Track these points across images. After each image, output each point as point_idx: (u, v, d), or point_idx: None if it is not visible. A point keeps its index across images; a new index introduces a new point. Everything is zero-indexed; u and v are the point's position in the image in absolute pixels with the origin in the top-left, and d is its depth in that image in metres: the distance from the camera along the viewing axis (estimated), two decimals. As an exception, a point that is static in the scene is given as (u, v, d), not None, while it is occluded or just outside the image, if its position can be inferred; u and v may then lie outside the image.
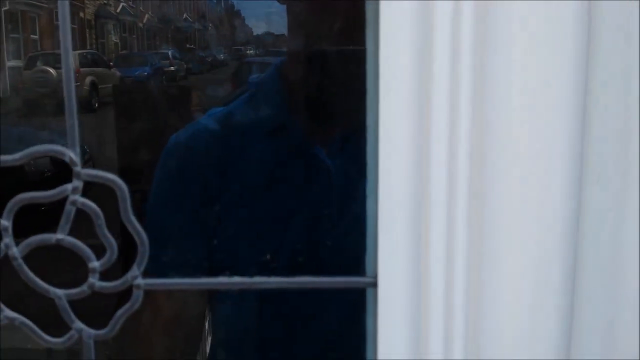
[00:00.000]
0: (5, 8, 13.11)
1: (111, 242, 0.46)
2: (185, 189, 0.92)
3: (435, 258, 0.45)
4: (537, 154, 0.44)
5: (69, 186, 0.47)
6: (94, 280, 0.47)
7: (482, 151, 0.44)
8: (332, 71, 0.79)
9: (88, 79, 10.62)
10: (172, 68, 13.99)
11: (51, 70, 10.25)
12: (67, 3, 0.43)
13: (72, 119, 0.46)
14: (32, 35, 14.18)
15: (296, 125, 0.90)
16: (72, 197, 0.46)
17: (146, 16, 18.68)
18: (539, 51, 0.43)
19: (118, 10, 17.49)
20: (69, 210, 0.46)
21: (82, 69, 10.92)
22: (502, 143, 0.44)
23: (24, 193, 0.46)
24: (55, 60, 11.41)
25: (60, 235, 0.47)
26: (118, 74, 12.22)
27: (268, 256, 0.87)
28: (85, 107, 9.80)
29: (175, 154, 0.92)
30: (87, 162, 4.88)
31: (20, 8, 13.74)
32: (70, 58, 0.44)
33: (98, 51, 15.61)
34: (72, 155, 0.45)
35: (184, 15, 19.90)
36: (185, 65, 14.68)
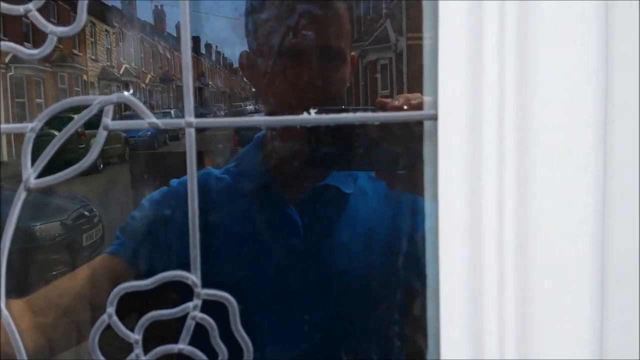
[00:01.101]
0: (11, 73, 13.47)
1: (223, 351, 0.54)
2: (164, 222, 1.00)
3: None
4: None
5: (190, 304, 0.53)
6: None
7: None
8: (304, 141, 0.85)
9: (93, 141, 10.83)
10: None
11: (56, 133, 10.72)
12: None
13: (195, 250, 0.52)
14: (37, 100, 14.58)
15: (273, 188, 0.99)
16: (192, 314, 0.53)
17: (148, 77, 19.32)
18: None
19: (121, 71, 18.04)
20: (189, 324, 0.53)
21: (87, 131, 11.42)
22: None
23: (153, 311, 0.54)
24: (60, 124, 11.88)
25: (182, 345, 0.54)
26: (123, 134, 12.73)
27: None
28: (90, 168, 10.01)
29: (168, 192, 1.02)
30: (97, 223, 5.03)
31: (25, 73, 14.13)
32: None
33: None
34: (194, 278, 0.53)
35: (186, 75, 20.42)
36: None
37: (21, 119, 12.60)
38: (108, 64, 17.69)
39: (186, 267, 0.89)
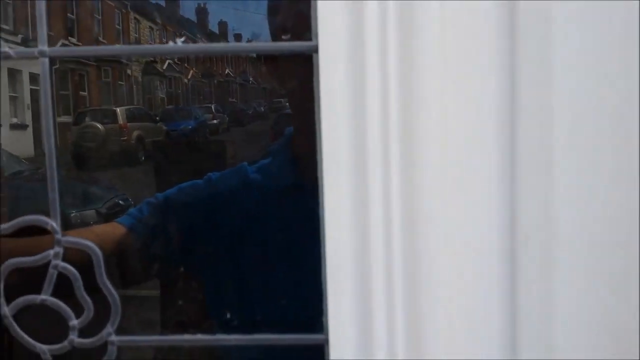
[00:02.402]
0: (56, 66, 14.23)
1: (88, 303, 0.53)
2: (198, 216, 1.01)
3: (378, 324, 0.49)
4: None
5: (51, 252, 0.52)
6: (73, 337, 0.52)
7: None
8: None
9: (135, 133, 11.30)
10: (215, 121, 15.05)
11: (99, 125, 11.17)
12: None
13: (54, 193, 0.50)
14: (81, 92, 15.00)
15: (305, 186, 0.93)
16: (54, 262, 0.52)
17: (191, 72, 20.58)
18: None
19: (164, 67, 19.21)
20: (52, 273, 0.52)
21: (129, 124, 11.62)
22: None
23: (13, 258, 0.53)
24: (103, 116, 12.07)
25: (44, 296, 0.53)
26: (164, 127, 12.84)
27: (254, 309, 0.96)
28: (132, 159, 10.23)
29: (204, 184, 1.02)
30: None
31: (70, 66, 14.42)
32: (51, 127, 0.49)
33: (145, 106, 16.94)
34: (53, 224, 0.51)
35: (226, 71, 22.03)
36: (227, 118, 15.96)
37: (67, 110, 13.42)
38: (152, 59, 18.76)
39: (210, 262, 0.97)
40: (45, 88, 0.50)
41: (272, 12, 0.94)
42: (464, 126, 0.47)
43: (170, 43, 0.53)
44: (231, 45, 0.57)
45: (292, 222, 0.97)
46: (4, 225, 0.52)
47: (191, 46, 0.59)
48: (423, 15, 0.46)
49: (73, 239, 0.53)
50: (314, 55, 0.47)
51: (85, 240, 0.53)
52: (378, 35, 0.46)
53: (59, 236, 0.52)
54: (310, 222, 0.95)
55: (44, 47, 0.48)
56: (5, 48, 0.49)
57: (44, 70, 0.49)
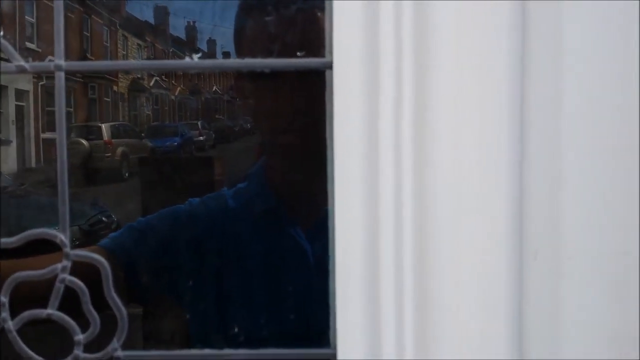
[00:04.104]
0: (43, 82, 14.34)
1: (95, 317, 0.53)
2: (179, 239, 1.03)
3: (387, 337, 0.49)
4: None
5: (58, 265, 0.52)
6: (78, 352, 0.52)
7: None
8: (306, 163, 0.85)
9: (119, 150, 11.50)
10: (201, 138, 15.16)
11: (83, 141, 11.31)
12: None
13: (65, 207, 0.51)
14: (67, 108, 15.30)
15: (279, 211, 0.98)
16: (61, 276, 0.52)
17: (178, 89, 20.66)
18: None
19: (151, 83, 19.28)
20: (58, 287, 0.52)
21: (114, 140, 11.84)
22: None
23: (20, 272, 0.53)
24: (87, 132, 12.34)
25: (50, 310, 0.53)
26: (149, 144, 13.02)
27: (235, 329, 0.97)
28: (115, 176, 10.37)
29: (184, 210, 1.03)
30: (114, 230, 5.70)
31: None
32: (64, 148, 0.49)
33: (130, 123, 16.87)
34: (62, 237, 0.51)
35: (214, 88, 22.10)
36: (213, 135, 15.96)
37: (51, 126, 13.45)
38: (139, 76, 18.84)
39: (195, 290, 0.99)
40: (60, 103, 0.51)
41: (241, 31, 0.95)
42: (475, 140, 0.48)
43: (187, 59, 0.54)
44: (245, 61, 0.58)
45: (269, 245, 0.98)
46: (12, 239, 0.52)
47: (206, 62, 0.56)
48: (437, 20, 0.47)
49: (82, 252, 0.53)
50: (327, 71, 0.48)
51: (93, 254, 0.53)
52: (393, 51, 0.47)
53: (67, 249, 0.52)
54: (287, 245, 0.96)
55: (61, 62, 0.49)
56: (21, 61, 0.50)
57: (59, 84, 0.50)
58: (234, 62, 0.59)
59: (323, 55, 0.48)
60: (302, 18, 0.89)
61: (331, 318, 0.51)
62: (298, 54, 0.80)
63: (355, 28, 0.47)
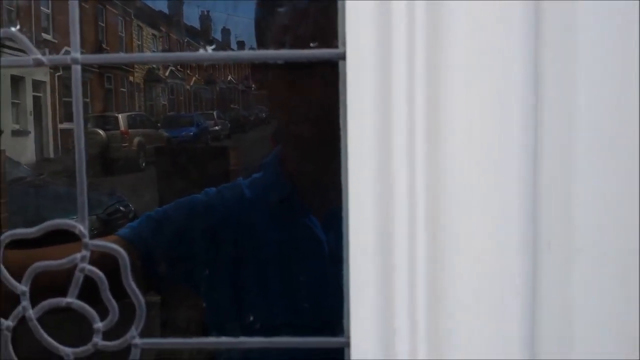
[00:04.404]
0: (59, 73, 14.47)
1: (114, 306, 0.53)
2: (194, 231, 1.03)
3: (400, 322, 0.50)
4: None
5: (78, 255, 0.53)
6: (97, 340, 0.53)
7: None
8: (320, 152, 0.83)
9: (136, 140, 11.48)
10: (216, 128, 15.16)
11: (100, 132, 11.30)
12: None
13: (83, 197, 0.51)
14: (84, 99, 15.29)
15: (295, 200, 0.99)
16: (80, 265, 0.53)
17: (193, 79, 20.69)
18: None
19: (166, 74, 19.31)
20: (78, 276, 0.53)
21: (130, 130, 11.83)
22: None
23: (39, 262, 0.54)
24: (104, 122, 12.42)
25: (70, 299, 0.54)
26: (165, 134, 13.03)
27: (251, 317, 0.97)
28: (132, 166, 10.40)
29: (201, 200, 1.04)
30: (131, 219, 5.21)
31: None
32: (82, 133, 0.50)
33: (146, 113, 17.08)
34: (81, 228, 0.52)
35: (229, 78, 22.15)
36: (229, 125, 15.92)
37: (69, 117, 13.51)
38: (154, 66, 18.86)
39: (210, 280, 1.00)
40: (77, 94, 0.51)
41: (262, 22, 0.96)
42: (489, 133, 0.49)
43: (201, 51, 0.54)
44: (257, 52, 0.60)
45: (284, 235, 0.99)
46: (32, 229, 0.53)
47: (219, 54, 0.59)
48: (450, 18, 0.47)
49: (100, 242, 0.54)
50: (341, 62, 0.48)
51: (112, 244, 0.54)
52: (406, 42, 0.47)
53: (86, 240, 0.52)
54: (302, 234, 0.97)
55: (77, 55, 0.49)
56: (38, 55, 0.50)
57: (76, 77, 0.50)
58: (247, 53, 0.61)
59: (336, 46, 0.49)
60: (315, 9, 0.90)
61: (345, 307, 0.51)
62: (311, 44, 0.80)
63: (368, 18, 0.47)
